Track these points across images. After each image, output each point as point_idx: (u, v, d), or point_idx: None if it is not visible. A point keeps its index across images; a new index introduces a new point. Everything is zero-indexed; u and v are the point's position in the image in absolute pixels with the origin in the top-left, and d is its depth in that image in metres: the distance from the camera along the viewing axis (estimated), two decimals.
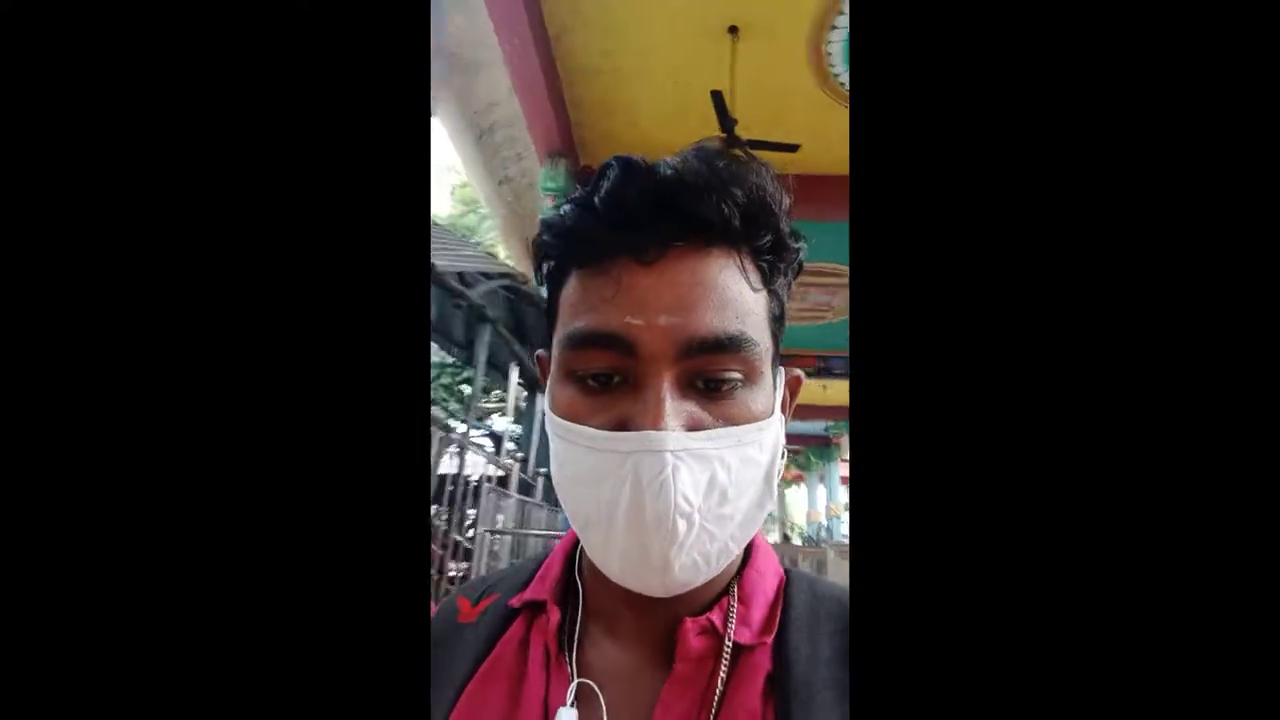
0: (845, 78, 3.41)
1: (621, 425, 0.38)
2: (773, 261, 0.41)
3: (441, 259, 4.37)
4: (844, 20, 3.09)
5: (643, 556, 0.38)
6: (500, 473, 4.79)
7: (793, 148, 3.12)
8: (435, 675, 0.44)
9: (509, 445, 6.26)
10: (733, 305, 0.39)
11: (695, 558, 0.38)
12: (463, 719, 0.41)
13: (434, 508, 3.81)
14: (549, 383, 0.43)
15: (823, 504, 13.58)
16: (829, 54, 3.30)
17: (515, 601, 0.46)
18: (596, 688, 0.40)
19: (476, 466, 4.54)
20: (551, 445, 0.42)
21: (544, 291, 0.46)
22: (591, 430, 0.39)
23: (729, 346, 0.38)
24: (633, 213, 0.38)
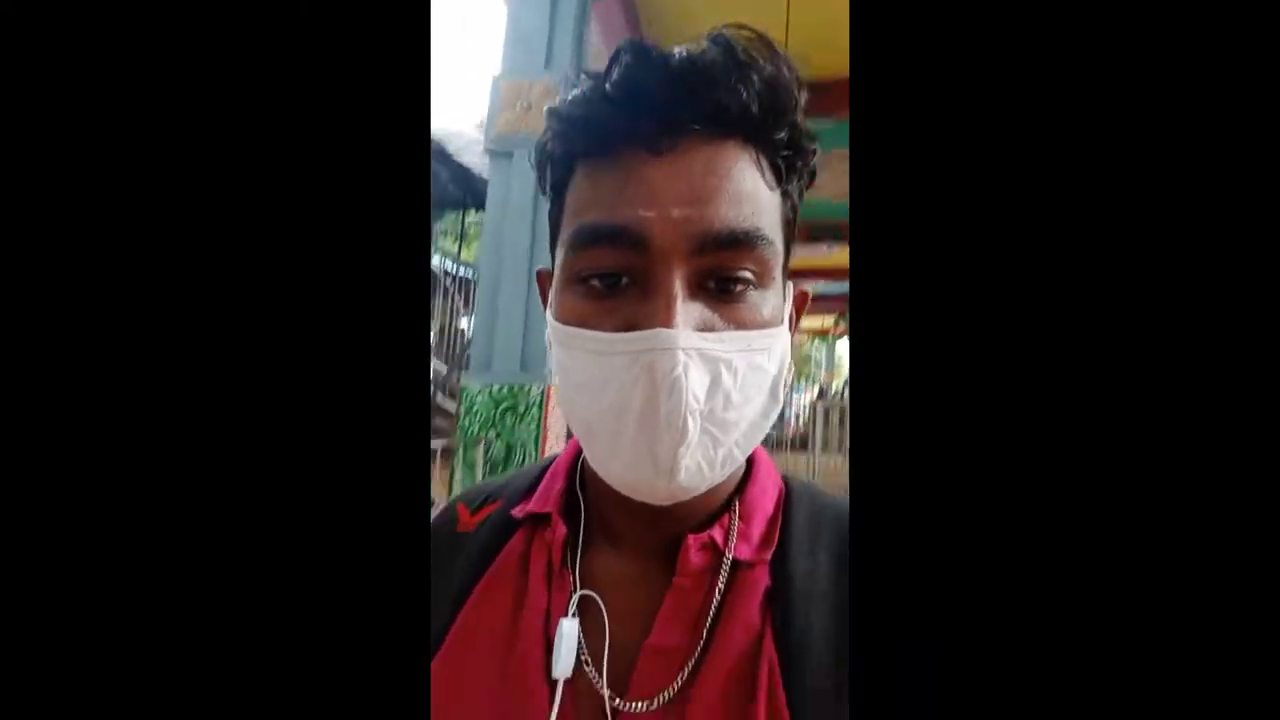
0: None
1: (630, 328, 0.36)
2: (789, 158, 0.40)
3: None
4: None
5: (650, 460, 0.36)
6: None
7: None
8: (433, 586, 0.44)
9: None
10: (749, 200, 0.37)
11: (699, 461, 0.37)
12: (464, 633, 0.41)
13: None
14: (552, 292, 0.41)
15: None
16: None
17: (518, 513, 0.46)
18: (599, 598, 0.41)
19: None
20: (554, 355, 0.40)
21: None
22: (599, 333, 0.37)
23: (744, 242, 0.36)
24: (646, 98, 0.36)
